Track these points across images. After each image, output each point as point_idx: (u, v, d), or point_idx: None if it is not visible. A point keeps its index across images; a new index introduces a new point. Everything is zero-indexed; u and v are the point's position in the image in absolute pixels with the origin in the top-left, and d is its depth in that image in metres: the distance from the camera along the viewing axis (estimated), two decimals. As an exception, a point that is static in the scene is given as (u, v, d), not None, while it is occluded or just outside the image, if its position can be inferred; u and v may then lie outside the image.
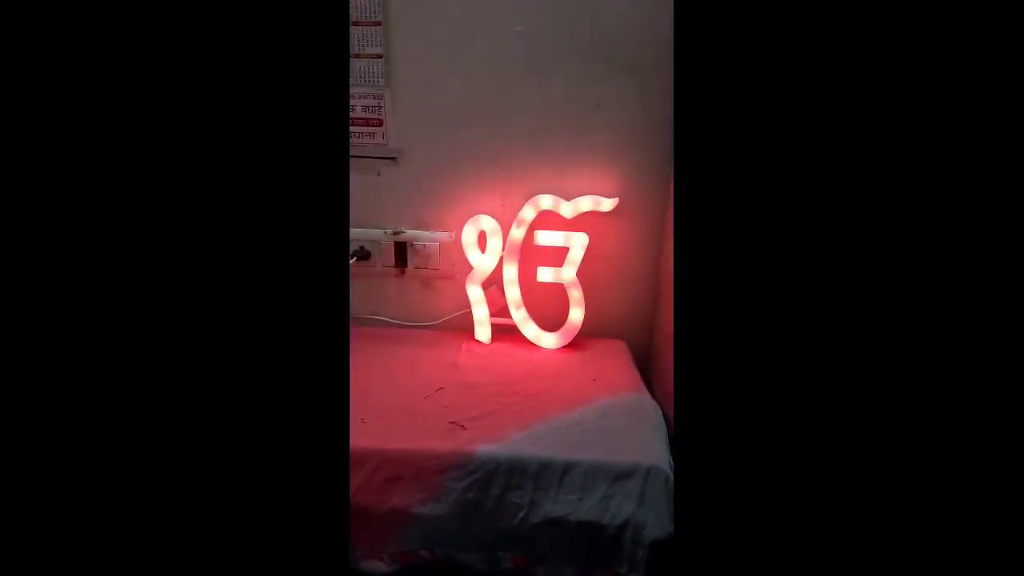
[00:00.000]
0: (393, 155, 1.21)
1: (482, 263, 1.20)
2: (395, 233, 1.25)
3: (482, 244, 1.20)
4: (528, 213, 1.17)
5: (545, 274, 1.21)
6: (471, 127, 1.18)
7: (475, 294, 1.22)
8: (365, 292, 1.29)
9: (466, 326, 1.26)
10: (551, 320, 1.22)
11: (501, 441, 0.86)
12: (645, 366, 1.22)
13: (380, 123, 1.19)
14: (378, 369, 1.09)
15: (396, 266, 1.28)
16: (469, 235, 1.19)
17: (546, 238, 1.19)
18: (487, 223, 1.18)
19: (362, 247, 1.25)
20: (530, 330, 1.22)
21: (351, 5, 1.11)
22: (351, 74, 1.15)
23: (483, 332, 1.24)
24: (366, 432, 0.87)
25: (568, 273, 1.19)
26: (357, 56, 1.15)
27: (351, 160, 1.19)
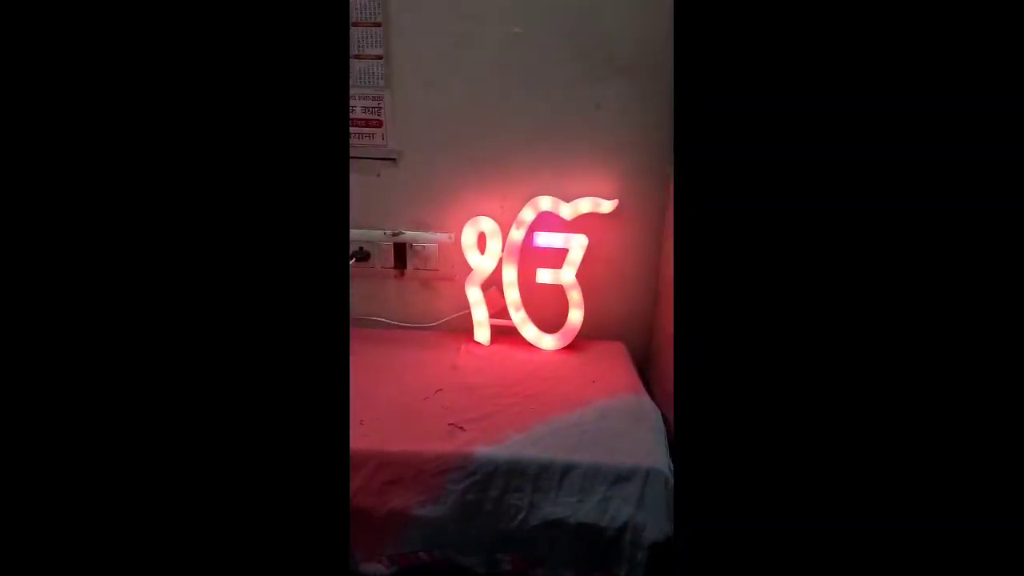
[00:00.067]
0: (393, 156, 1.21)
1: (481, 264, 1.20)
2: (394, 234, 1.25)
3: (481, 245, 1.20)
4: (527, 215, 1.17)
5: (544, 276, 1.21)
6: (471, 128, 1.18)
7: (474, 295, 1.21)
8: (364, 293, 1.29)
9: (465, 327, 1.26)
10: (550, 322, 1.22)
11: (500, 443, 0.86)
12: (644, 368, 1.22)
13: (380, 124, 1.19)
14: (377, 370, 1.09)
15: (395, 267, 1.28)
16: (468, 236, 1.19)
17: (545, 240, 1.19)
18: (486, 224, 1.18)
19: (361, 248, 1.25)
20: (529, 332, 1.22)
21: (351, 6, 1.11)
22: (351, 75, 1.16)
23: (482, 333, 1.24)
24: (365, 434, 0.87)
25: (567, 275, 1.19)
26: (357, 57, 1.15)
27: (351, 161, 1.19)
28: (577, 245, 1.17)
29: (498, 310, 1.23)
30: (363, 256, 1.25)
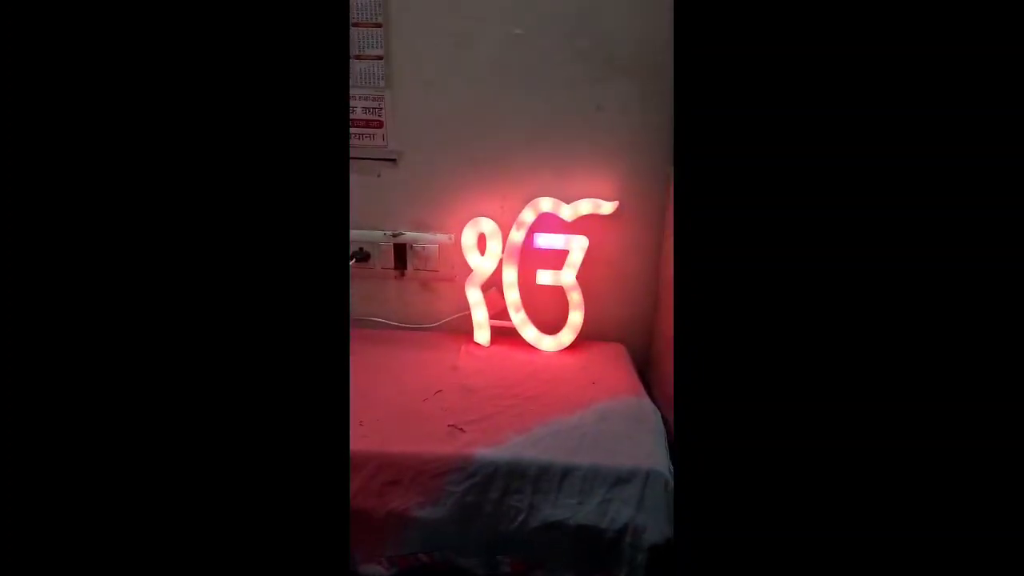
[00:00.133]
0: (393, 157, 1.21)
1: (482, 265, 1.20)
2: (395, 235, 1.25)
3: (482, 246, 1.20)
4: (528, 216, 1.17)
5: (545, 277, 1.20)
6: (471, 129, 1.18)
7: (474, 296, 1.21)
8: (364, 294, 1.29)
9: (465, 328, 1.26)
10: (550, 323, 1.22)
11: (500, 444, 0.86)
12: (644, 369, 1.22)
13: (380, 125, 1.19)
14: (377, 371, 1.08)
15: (395, 268, 1.27)
16: (469, 237, 1.19)
17: (546, 241, 1.19)
18: (487, 225, 1.18)
19: (361, 248, 1.25)
20: (529, 333, 1.22)
21: (352, 7, 1.11)
22: (352, 76, 1.15)
23: (482, 334, 1.24)
24: (365, 435, 0.87)
25: (568, 276, 1.19)
26: (358, 57, 1.15)
27: (351, 161, 1.19)
28: (577, 246, 1.17)
29: (498, 311, 1.23)
30: (363, 256, 1.25)
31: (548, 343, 1.22)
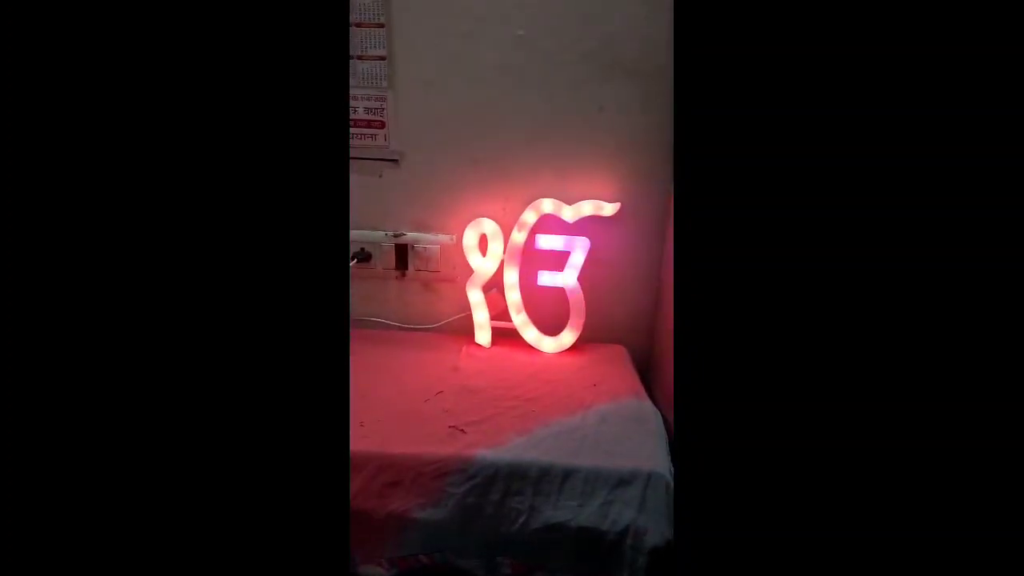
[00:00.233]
0: (395, 157, 1.21)
1: (483, 266, 1.19)
2: (396, 235, 1.25)
3: (483, 247, 1.20)
4: (529, 217, 1.17)
5: (546, 278, 1.20)
6: (473, 130, 1.18)
7: (476, 297, 1.21)
8: (365, 294, 1.29)
9: (466, 329, 1.26)
10: (552, 324, 1.22)
11: (501, 446, 0.86)
12: (645, 371, 1.22)
13: (382, 125, 1.19)
14: (378, 372, 1.08)
15: (397, 268, 1.27)
16: (470, 238, 1.19)
17: (547, 242, 1.19)
18: (488, 226, 1.18)
19: (363, 249, 1.25)
20: (530, 334, 1.22)
21: (355, 7, 1.11)
22: (354, 76, 1.15)
23: (483, 336, 1.24)
24: (365, 436, 0.87)
25: (569, 277, 1.19)
26: (360, 58, 1.15)
27: (353, 162, 1.19)
28: (579, 248, 1.17)
29: (499, 312, 1.23)
30: (364, 257, 1.25)
31: (549, 344, 1.21)
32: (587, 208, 1.17)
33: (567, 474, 0.82)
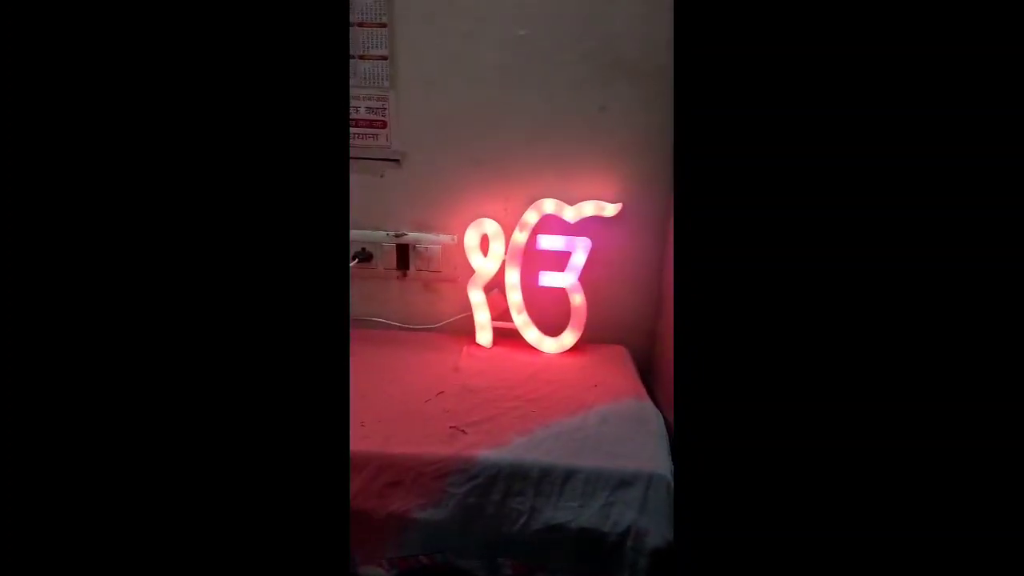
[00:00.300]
0: (397, 157, 1.21)
1: (484, 266, 1.19)
2: (397, 235, 1.25)
3: (484, 247, 1.20)
4: (531, 217, 1.17)
5: (547, 278, 1.20)
6: (474, 130, 1.18)
7: (477, 297, 1.21)
8: (366, 294, 1.29)
9: (467, 329, 1.25)
10: (553, 325, 1.22)
11: (502, 446, 0.86)
12: (647, 372, 1.22)
13: (384, 125, 1.19)
14: (378, 372, 1.08)
15: (398, 268, 1.27)
16: (472, 238, 1.19)
17: (549, 242, 1.19)
18: (490, 226, 1.18)
19: (364, 249, 1.25)
20: (531, 334, 1.22)
21: (357, 7, 1.11)
22: (356, 75, 1.15)
23: (484, 336, 1.24)
24: (366, 436, 0.87)
25: (570, 278, 1.19)
26: (362, 57, 1.15)
27: (354, 162, 1.19)
28: (580, 248, 1.17)
29: (500, 312, 1.23)
30: (366, 257, 1.25)
31: (550, 345, 1.21)
32: (589, 208, 1.16)
33: (568, 475, 0.82)
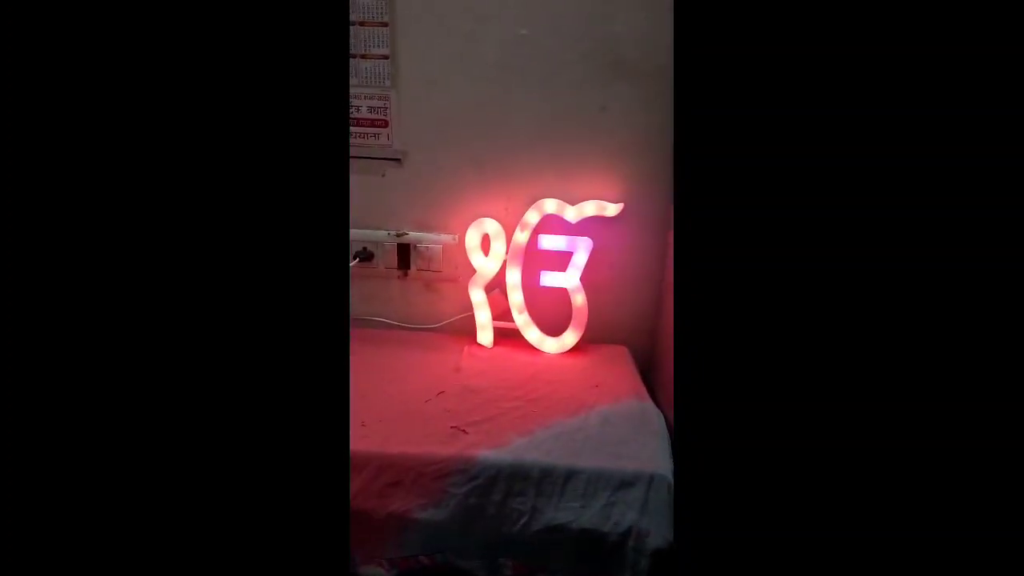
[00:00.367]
0: (398, 156, 1.21)
1: (485, 266, 1.19)
2: (398, 235, 1.25)
3: (486, 247, 1.20)
4: (532, 217, 1.17)
5: (548, 278, 1.20)
6: (476, 129, 1.18)
7: (478, 297, 1.21)
8: (367, 293, 1.29)
9: (468, 329, 1.25)
10: (554, 325, 1.22)
11: (503, 446, 0.86)
12: (648, 372, 1.21)
13: (385, 124, 1.19)
14: (379, 371, 1.08)
15: (399, 268, 1.27)
16: (473, 238, 1.19)
17: (550, 242, 1.18)
18: (491, 226, 1.18)
19: (365, 248, 1.25)
20: (532, 334, 1.22)
21: (358, 5, 1.11)
22: (357, 75, 1.15)
23: (485, 336, 1.24)
24: (366, 435, 0.86)
25: (571, 278, 1.18)
26: (363, 57, 1.15)
27: (355, 161, 1.19)
28: (581, 248, 1.17)
29: (501, 312, 1.23)
30: (366, 256, 1.25)
31: (551, 345, 1.21)
32: (590, 208, 1.16)
33: (569, 475, 0.82)
